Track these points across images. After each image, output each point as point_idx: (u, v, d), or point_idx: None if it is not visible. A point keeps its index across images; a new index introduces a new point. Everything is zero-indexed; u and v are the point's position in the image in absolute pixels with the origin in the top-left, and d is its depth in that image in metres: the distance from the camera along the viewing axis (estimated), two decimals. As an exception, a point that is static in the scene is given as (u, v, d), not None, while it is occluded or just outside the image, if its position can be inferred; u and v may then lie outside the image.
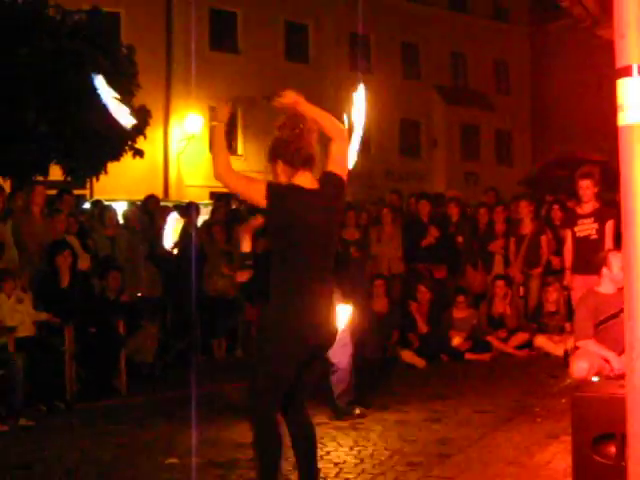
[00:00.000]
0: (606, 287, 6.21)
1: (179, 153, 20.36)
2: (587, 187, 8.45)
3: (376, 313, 9.49)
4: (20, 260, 8.28)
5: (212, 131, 3.95)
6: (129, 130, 3.58)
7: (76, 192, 11.17)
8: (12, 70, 10.44)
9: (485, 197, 12.35)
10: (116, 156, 11.98)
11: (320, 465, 4.43)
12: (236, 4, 22.61)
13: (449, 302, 10.27)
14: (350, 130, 4.68)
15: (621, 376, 3.67)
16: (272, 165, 3.92)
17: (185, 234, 9.84)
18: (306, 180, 3.86)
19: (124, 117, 4.34)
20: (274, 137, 3.92)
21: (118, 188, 15.66)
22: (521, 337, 9.91)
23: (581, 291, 7.28)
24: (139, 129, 12.02)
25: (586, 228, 8.43)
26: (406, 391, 7.83)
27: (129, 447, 5.98)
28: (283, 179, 3.88)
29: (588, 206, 8.50)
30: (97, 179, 12.39)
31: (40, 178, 11.14)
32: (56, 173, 11.73)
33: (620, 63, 2.96)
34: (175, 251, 9.69)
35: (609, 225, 8.24)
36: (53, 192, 9.73)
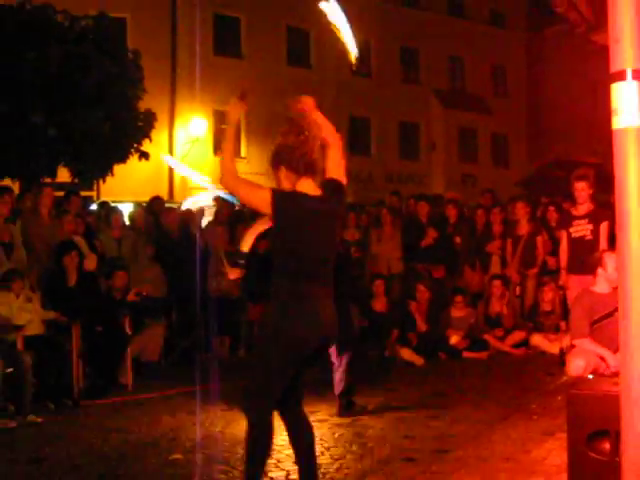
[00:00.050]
0: (601, 287, 6.31)
1: (184, 155, 20.48)
2: (582, 189, 8.53)
3: (376, 312, 9.66)
4: (28, 260, 8.34)
5: (223, 134, 3.95)
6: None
7: (83, 194, 11.23)
8: (21, 74, 10.53)
9: (482, 199, 12.40)
10: (122, 158, 12.05)
11: (320, 460, 4.52)
12: (239, 9, 22.72)
13: (447, 301, 10.35)
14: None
15: (616, 374, 3.68)
16: (275, 171, 3.91)
17: (189, 235, 9.98)
18: (309, 187, 3.87)
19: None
20: (278, 143, 3.89)
21: (124, 190, 15.73)
22: (517, 336, 10.00)
23: (576, 291, 7.39)
24: (144, 132, 12.16)
25: (581, 229, 8.50)
26: (405, 388, 7.90)
27: (135, 443, 5.98)
28: (286, 185, 3.87)
29: (583, 207, 8.58)
30: (104, 181, 12.44)
31: (48, 180, 11.22)
32: (64, 175, 11.80)
33: (614, 67, 3.00)
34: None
35: (603, 226, 8.32)
36: (61, 194, 9.79)
